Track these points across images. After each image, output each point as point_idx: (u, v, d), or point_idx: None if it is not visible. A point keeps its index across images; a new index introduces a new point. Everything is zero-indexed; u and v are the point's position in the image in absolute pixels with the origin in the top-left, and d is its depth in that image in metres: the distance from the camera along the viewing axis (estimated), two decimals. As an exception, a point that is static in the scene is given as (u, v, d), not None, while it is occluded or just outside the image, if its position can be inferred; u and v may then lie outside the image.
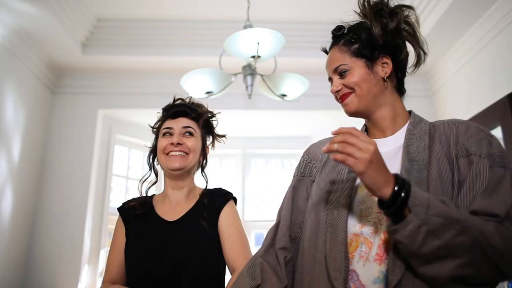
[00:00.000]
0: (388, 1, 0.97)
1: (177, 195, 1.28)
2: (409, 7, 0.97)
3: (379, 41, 0.94)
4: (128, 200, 1.32)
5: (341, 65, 0.97)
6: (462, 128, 0.89)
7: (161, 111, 1.35)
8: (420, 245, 0.73)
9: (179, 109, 1.30)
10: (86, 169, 3.10)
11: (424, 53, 0.98)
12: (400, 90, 1.00)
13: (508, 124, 2.28)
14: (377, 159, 0.75)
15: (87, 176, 3.09)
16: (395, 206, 0.73)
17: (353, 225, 0.89)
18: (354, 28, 1.00)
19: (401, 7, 0.96)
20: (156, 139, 1.32)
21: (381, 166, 0.75)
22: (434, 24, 2.64)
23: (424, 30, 2.77)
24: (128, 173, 3.55)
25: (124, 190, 3.51)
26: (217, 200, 1.26)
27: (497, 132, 2.42)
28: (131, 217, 1.25)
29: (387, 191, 0.74)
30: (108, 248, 1.31)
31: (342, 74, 0.97)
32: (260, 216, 3.72)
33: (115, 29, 3.04)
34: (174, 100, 1.35)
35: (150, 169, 1.33)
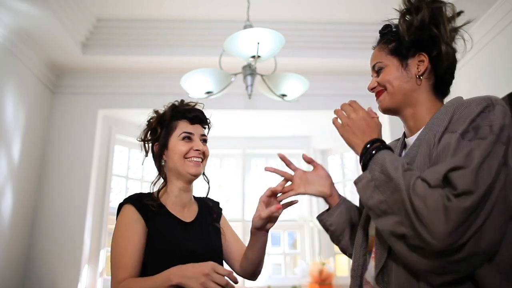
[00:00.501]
0: None
1: (186, 197, 1.30)
2: (442, 1, 0.96)
3: (406, 38, 0.96)
4: (139, 196, 1.25)
5: (377, 62, 1.00)
6: (462, 109, 0.85)
7: (164, 107, 1.34)
8: (368, 198, 0.83)
9: (199, 116, 1.32)
10: (86, 169, 3.10)
11: (452, 49, 0.96)
12: (440, 89, 0.97)
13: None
14: (353, 124, 0.91)
15: (87, 176, 3.09)
16: (362, 163, 0.87)
17: (372, 227, 0.97)
18: (395, 27, 1.02)
19: (427, 1, 0.95)
20: (167, 137, 1.29)
21: (358, 130, 0.90)
22: (434, 24, 2.64)
23: (424, 30, 2.77)
24: (128, 173, 3.55)
25: (124, 190, 3.51)
26: (214, 206, 1.38)
27: (497, 132, 2.42)
28: (150, 215, 1.20)
29: (358, 150, 0.89)
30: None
31: (378, 71, 1.00)
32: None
33: (115, 29, 3.04)
34: (184, 103, 1.34)
35: (161, 172, 1.30)
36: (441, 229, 0.71)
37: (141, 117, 1.46)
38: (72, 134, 3.18)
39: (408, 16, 0.96)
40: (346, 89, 3.18)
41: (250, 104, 3.24)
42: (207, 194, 1.39)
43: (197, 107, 1.34)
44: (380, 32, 1.06)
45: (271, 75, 2.31)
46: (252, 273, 1.29)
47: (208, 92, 2.25)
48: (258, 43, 1.92)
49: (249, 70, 2.26)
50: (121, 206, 1.23)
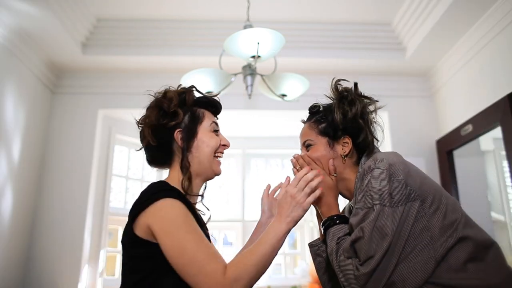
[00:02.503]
0: (352, 89, 1.14)
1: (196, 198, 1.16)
2: (368, 98, 1.14)
3: (339, 125, 1.11)
4: (173, 190, 1.03)
5: (307, 139, 1.16)
6: (359, 181, 1.05)
7: (167, 88, 1.20)
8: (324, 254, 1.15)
9: (220, 109, 1.21)
10: (86, 169, 3.10)
11: (377, 140, 1.14)
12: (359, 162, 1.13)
13: (508, 124, 2.28)
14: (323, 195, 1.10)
15: (87, 176, 3.09)
16: (322, 229, 1.11)
17: None
18: (325, 109, 1.17)
19: (360, 97, 1.13)
20: (195, 124, 1.12)
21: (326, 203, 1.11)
22: (434, 24, 2.64)
23: (424, 30, 2.77)
24: (128, 173, 3.55)
25: (124, 190, 3.51)
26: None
27: (497, 132, 2.42)
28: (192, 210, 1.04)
29: (321, 213, 1.13)
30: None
31: (307, 147, 1.16)
32: (260, 216, 3.71)
33: (115, 29, 3.04)
34: (204, 94, 1.20)
35: (184, 164, 1.09)
36: None
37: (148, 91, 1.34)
38: (72, 134, 3.18)
39: (341, 105, 1.11)
40: (346, 89, 3.17)
41: (250, 104, 3.24)
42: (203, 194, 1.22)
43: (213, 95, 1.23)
44: (310, 110, 1.21)
45: (271, 75, 2.31)
46: None
47: (208, 92, 2.25)
48: (258, 43, 1.92)
49: (249, 70, 2.26)
50: (155, 199, 0.98)
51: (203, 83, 2.22)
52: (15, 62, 2.71)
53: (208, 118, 1.16)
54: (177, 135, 1.12)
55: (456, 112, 2.98)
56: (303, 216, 1.07)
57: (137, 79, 3.31)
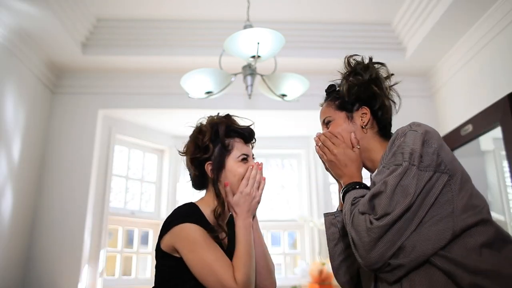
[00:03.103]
0: (363, 60, 1.17)
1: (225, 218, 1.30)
2: (382, 64, 1.16)
3: (346, 98, 1.15)
4: (194, 217, 1.20)
5: (327, 117, 1.20)
6: (390, 144, 1.03)
7: (205, 119, 1.30)
8: (344, 222, 1.01)
9: (252, 135, 1.33)
10: (86, 169, 3.10)
11: (394, 102, 1.17)
12: (385, 133, 1.15)
13: (508, 124, 2.28)
14: (337, 160, 1.10)
15: (87, 176, 3.09)
16: (342, 195, 1.07)
17: None
18: (339, 86, 1.21)
19: (372, 64, 1.15)
20: (223, 157, 1.25)
21: (342, 165, 1.10)
22: (434, 24, 2.64)
23: (424, 30, 2.77)
24: (128, 173, 3.55)
25: (124, 190, 3.51)
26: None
27: (497, 132, 2.42)
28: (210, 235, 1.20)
29: (342, 182, 1.10)
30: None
31: (327, 124, 1.19)
32: (259, 216, 3.70)
33: (115, 29, 3.04)
34: (232, 119, 1.32)
35: (219, 194, 1.24)
36: (364, 251, 0.90)
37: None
38: (72, 134, 3.18)
39: (351, 78, 1.14)
40: (346, 89, 3.17)
41: (250, 104, 3.24)
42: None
43: (247, 123, 1.33)
44: (326, 91, 1.25)
45: (271, 75, 2.30)
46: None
47: (208, 92, 2.25)
48: (258, 43, 1.92)
49: (249, 70, 2.26)
50: (178, 223, 1.16)
51: (203, 83, 2.22)
52: (15, 62, 2.71)
53: (237, 150, 1.27)
54: (207, 167, 1.26)
55: (456, 112, 2.98)
56: (253, 211, 1.25)
57: (137, 79, 3.31)
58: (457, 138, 2.83)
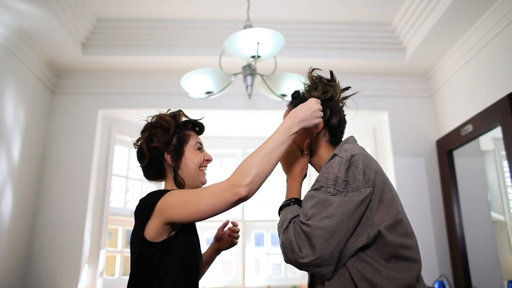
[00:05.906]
0: (323, 78, 1.28)
1: None
2: (335, 81, 1.29)
3: None
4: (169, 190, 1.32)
5: None
6: (323, 166, 1.15)
7: (158, 112, 1.41)
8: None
9: (203, 128, 1.45)
10: (86, 169, 3.10)
11: (342, 115, 1.29)
12: (335, 141, 1.27)
13: (508, 124, 2.28)
14: (287, 158, 1.30)
15: (87, 176, 3.09)
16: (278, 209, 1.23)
17: None
18: (303, 95, 1.31)
19: (329, 83, 1.27)
20: (182, 145, 1.34)
21: (289, 164, 1.29)
22: (434, 24, 2.64)
23: (424, 30, 2.77)
24: (128, 173, 3.55)
25: (124, 190, 3.51)
26: None
27: (497, 132, 2.42)
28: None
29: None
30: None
31: None
32: (260, 216, 3.72)
33: (115, 29, 3.04)
34: (183, 113, 1.44)
35: (177, 179, 1.34)
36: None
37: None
38: (72, 134, 3.18)
39: (312, 92, 1.25)
40: (346, 89, 3.17)
41: (250, 104, 3.24)
42: None
43: (198, 118, 1.46)
44: (291, 96, 1.35)
45: (271, 75, 2.30)
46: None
47: (208, 92, 2.25)
48: (258, 43, 1.92)
49: (249, 70, 2.26)
50: (157, 200, 1.20)
51: (203, 83, 2.22)
52: (15, 62, 2.71)
53: (193, 139, 1.38)
54: (167, 156, 1.33)
55: (456, 112, 2.98)
56: (309, 125, 1.17)
57: (137, 79, 3.31)
58: (457, 138, 2.84)
